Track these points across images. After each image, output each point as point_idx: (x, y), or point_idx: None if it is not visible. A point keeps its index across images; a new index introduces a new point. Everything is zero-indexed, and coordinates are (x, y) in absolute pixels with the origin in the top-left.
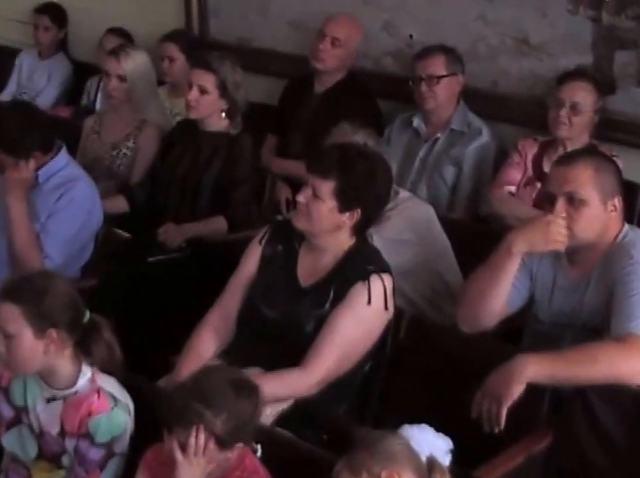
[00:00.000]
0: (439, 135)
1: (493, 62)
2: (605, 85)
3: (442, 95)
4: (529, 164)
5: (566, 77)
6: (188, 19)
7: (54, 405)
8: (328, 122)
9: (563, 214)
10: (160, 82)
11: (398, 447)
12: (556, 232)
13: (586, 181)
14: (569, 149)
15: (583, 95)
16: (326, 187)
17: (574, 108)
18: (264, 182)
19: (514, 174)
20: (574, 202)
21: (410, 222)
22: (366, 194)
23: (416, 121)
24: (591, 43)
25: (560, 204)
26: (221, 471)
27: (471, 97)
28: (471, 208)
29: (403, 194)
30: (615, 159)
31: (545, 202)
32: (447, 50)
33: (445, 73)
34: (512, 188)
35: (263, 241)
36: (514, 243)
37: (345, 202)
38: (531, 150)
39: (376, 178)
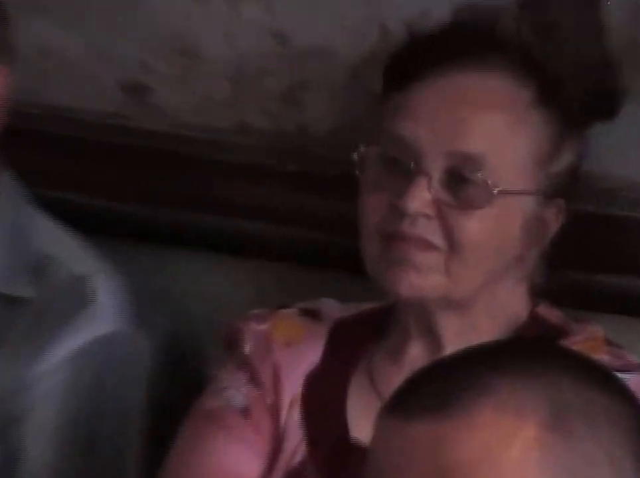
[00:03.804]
0: None
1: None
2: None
3: None
4: (286, 410)
5: (413, 56)
6: None
7: None
8: None
9: None
10: None
11: None
12: None
13: None
14: (447, 345)
15: (489, 127)
16: None
17: (457, 182)
18: None
19: (229, 459)
20: None
21: None
22: None
23: None
24: None
25: None
26: None
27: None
28: None
29: None
30: (627, 378)
31: None
32: None
33: None
34: None
35: None
36: None
37: None
38: (295, 358)
39: None
